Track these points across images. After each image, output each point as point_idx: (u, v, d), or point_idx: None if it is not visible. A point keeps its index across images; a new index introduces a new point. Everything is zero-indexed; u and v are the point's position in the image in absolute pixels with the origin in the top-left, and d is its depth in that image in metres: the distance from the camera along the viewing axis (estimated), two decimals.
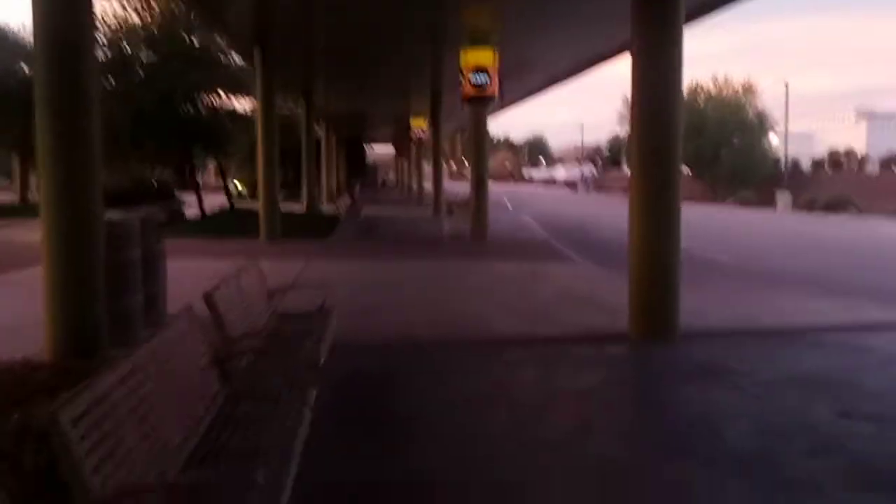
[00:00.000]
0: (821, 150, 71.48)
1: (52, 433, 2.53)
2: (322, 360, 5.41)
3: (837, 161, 57.71)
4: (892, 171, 49.33)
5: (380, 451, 4.92)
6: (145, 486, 2.94)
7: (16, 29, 27.76)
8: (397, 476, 4.55)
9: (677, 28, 7.99)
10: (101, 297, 6.89)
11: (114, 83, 19.82)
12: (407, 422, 5.53)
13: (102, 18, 19.76)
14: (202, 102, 21.45)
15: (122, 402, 3.05)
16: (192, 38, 21.17)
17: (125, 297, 7.56)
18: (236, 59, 21.68)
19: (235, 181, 44.83)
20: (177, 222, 21.69)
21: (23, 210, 24.84)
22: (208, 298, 4.92)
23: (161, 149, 21.25)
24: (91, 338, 6.76)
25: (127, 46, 20.57)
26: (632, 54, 8.22)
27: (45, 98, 6.57)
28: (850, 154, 62.46)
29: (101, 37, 19.72)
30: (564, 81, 26.57)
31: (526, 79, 25.41)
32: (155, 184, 26.68)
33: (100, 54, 19.42)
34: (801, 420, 5.44)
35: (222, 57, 21.48)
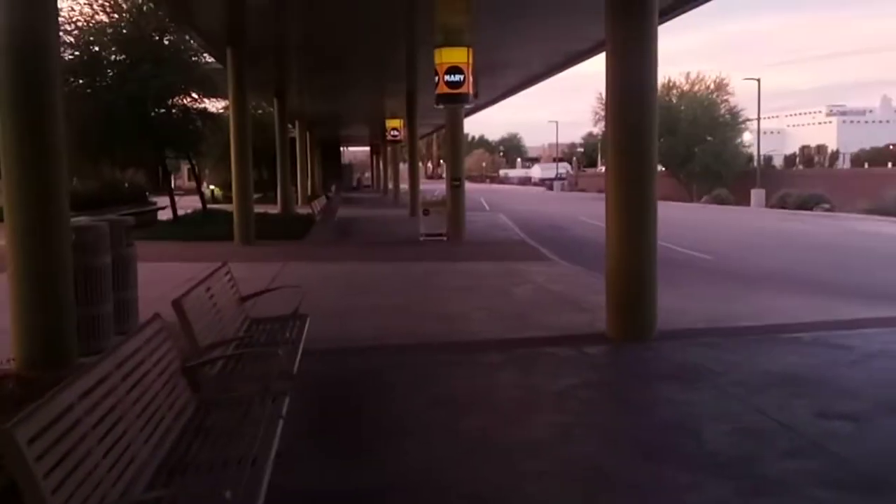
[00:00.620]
0: (793, 146, 72.30)
1: (6, 452, 2.42)
2: (296, 367, 5.30)
3: (809, 157, 58.38)
4: (863, 168, 49.98)
5: (356, 459, 4.83)
6: None
7: None
8: (374, 484, 4.46)
9: (651, 23, 7.96)
10: (69, 305, 6.74)
11: (81, 84, 19.50)
12: (383, 428, 5.44)
13: (69, 17, 19.44)
14: (174, 103, 21.14)
15: (84, 415, 2.93)
16: (163, 38, 20.89)
17: (95, 303, 7.41)
18: (208, 59, 21.42)
19: (211, 186, 44.50)
20: (149, 225, 21.40)
21: None
22: (177, 305, 4.80)
23: (132, 151, 20.94)
24: (60, 347, 6.62)
25: (95, 47, 20.25)
26: (606, 51, 8.19)
27: (6, 99, 6.41)
28: (821, 150, 63.29)
29: (67, 37, 19.39)
30: (540, 80, 26.63)
31: (501, 78, 25.42)
32: (126, 187, 26.31)
33: (66, 54, 19.12)
34: (779, 420, 5.42)
35: (194, 57, 21.20)
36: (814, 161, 61.13)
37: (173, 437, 3.80)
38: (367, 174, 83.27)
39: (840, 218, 33.76)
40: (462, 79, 17.45)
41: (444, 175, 24.43)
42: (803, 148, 64.49)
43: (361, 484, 4.46)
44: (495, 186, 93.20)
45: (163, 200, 26.02)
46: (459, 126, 20.63)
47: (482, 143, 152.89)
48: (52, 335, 6.59)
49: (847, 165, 60.73)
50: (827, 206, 38.41)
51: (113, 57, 20.52)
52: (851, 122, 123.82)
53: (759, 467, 4.59)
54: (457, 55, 17.44)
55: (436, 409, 5.86)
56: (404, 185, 39.18)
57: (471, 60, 17.52)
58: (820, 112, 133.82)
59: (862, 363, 6.96)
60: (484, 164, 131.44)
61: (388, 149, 51.17)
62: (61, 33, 14.57)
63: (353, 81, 27.09)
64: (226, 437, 3.84)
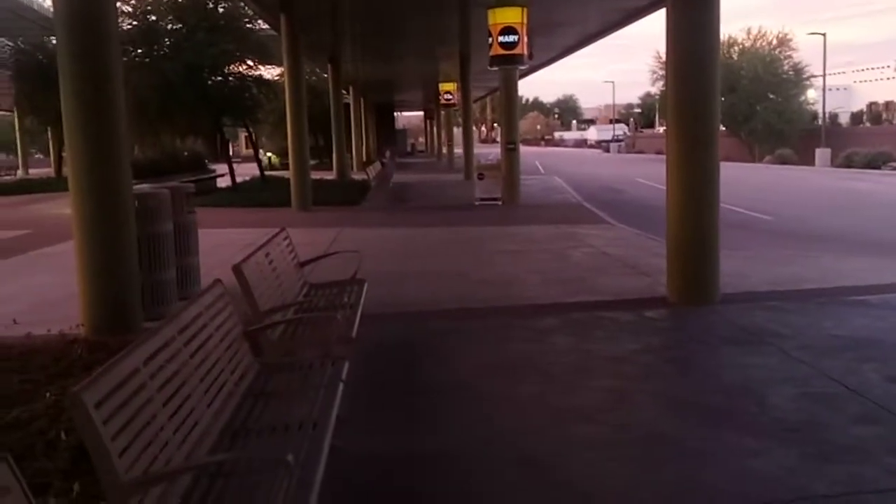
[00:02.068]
0: (860, 103, 69.76)
1: (75, 416, 2.46)
2: (355, 331, 5.33)
3: (878, 114, 56.33)
4: None
5: (413, 424, 4.85)
6: (174, 469, 2.87)
7: (41, 1, 27.82)
8: (431, 448, 4.47)
9: None
10: (134, 271, 6.89)
11: (140, 54, 19.77)
12: (440, 392, 5.45)
13: None
14: (230, 71, 21.31)
15: (149, 379, 2.98)
16: (218, 6, 21.01)
17: (158, 269, 7.57)
18: (263, 26, 21.50)
19: (268, 153, 44.94)
20: (208, 193, 21.74)
21: (56, 184, 25.07)
22: (237, 270, 4.85)
23: (190, 119, 21.21)
24: (126, 312, 6.77)
25: (152, 16, 20.47)
26: (667, 7, 7.94)
27: (67, 71, 6.50)
28: (890, 107, 60.97)
29: (125, 6, 19.63)
30: (596, 39, 26.07)
31: (556, 38, 24.96)
32: (186, 155, 26.72)
33: (123, 25, 19.37)
34: (847, 385, 5.26)
35: (248, 25, 21.30)
36: (882, 118, 58.82)
37: (235, 401, 3.85)
38: (422, 139, 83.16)
39: None
40: (516, 39, 17.23)
41: (498, 139, 24.23)
42: (871, 104, 62.13)
43: (419, 448, 4.47)
44: (550, 149, 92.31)
45: (221, 168, 26.39)
46: (514, 88, 20.36)
47: (536, 105, 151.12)
48: (117, 301, 6.75)
49: None
50: (895, 164, 37.07)
51: (169, 26, 20.73)
52: None
53: (828, 433, 4.46)
54: (511, 15, 17.21)
55: (492, 373, 5.85)
56: (458, 150, 39.02)
57: (525, 20, 17.27)
58: (889, 67, 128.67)
59: None
60: (539, 127, 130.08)
61: (442, 113, 50.97)
62: (119, 3, 14.77)
63: (406, 45, 26.95)
64: (287, 401, 3.88)
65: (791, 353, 6.02)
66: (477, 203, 19.42)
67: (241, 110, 22.57)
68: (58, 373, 5.45)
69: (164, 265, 7.61)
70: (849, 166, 38.59)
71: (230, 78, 21.45)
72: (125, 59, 18.10)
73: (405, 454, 4.40)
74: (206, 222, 11.70)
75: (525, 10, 17.11)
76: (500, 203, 19.36)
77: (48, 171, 35.64)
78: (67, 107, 6.56)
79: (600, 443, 4.48)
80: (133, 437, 2.67)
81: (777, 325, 6.85)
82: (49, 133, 36.06)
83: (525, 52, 17.48)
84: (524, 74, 31.09)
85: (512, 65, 18.33)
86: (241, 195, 21.29)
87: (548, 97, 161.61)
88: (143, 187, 8.39)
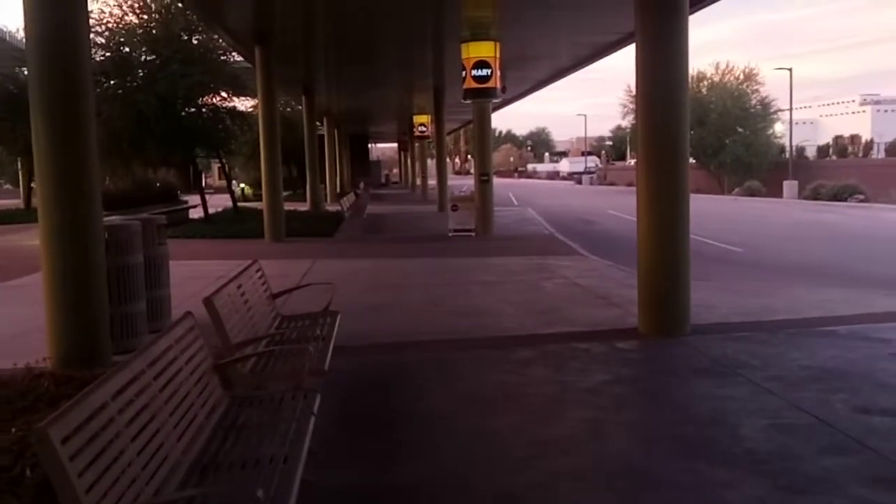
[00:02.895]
0: (826, 136, 71.17)
1: (41, 452, 2.42)
2: (327, 364, 5.30)
3: (843, 148, 57.45)
4: None
5: (387, 457, 4.81)
6: None
7: (14, 31, 27.65)
8: (406, 480, 4.44)
9: (682, 15, 7.85)
10: (103, 303, 6.80)
11: (113, 85, 19.70)
12: (415, 424, 5.42)
13: (99, 18, 19.63)
14: (203, 103, 21.29)
15: (117, 414, 2.94)
16: (192, 38, 21.03)
17: (128, 302, 7.49)
18: (237, 58, 21.55)
19: (241, 184, 44.81)
20: (180, 224, 21.59)
21: (26, 215, 24.77)
22: (208, 303, 4.81)
23: (163, 150, 21.11)
24: (94, 345, 6.66)
25: (125, 47, 20.44)
26: (636, 43, 8.09)
27: (39, 100, 6.46)
28: (855, 140, 62.24)
29: (98, 38, 19.58)
30: (567, 73, 26.42)
31: (529, 71, 25.27)
32: (158, 186, 26.56)
33: (97, 55, 19.31)
34: (818, 416, 5.31)
35: (222, 57, 21.33)
36: (847, 151, 60.00)
37: (205, 434, 3.80)
38: (396, 170, 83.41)
39: (875, 209, 33.20)
40: (489, 73, 17.42)
41: (471, 170, 24.35)
42: (836, 138, 63.41)
43: (393, 481, 4.44)
44: (523, 181, 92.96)
45: (194, 199, 26.25)
46: (487, 121, 20.55)
47: (510, 137, 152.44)
48: (85, 334, 6.65)
49: (882, 155, 59.54)
50: (861, 196, 37.79)
51: (143, 57, 20.71)
52: (886, 111, 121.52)
53: (798, 464, 4.50)
54: (484, 49, 17.41)
55: (467, 405, 5.83)
56: (432, 181, 39.17)
57: (498, 54, 17.47)
58: (853, 101, 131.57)
59: None
60: (512, 159, 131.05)
61: (416, 145, 51.24)
62: (92, 34, 14.73)
63: (380, 78, 27.12)
64: (258, 434, 3.84)
65: (761, 385, 6.07)
66: (451, 234, 19.47)
67: (214, 141, 22.50)
68: (23, 407, 5.34)
69: (134, 297, 7.53)
70: (816, 198, 39.24)
71: (203, 109, 21.41)
72: (98, 89, 18.05)
73: (379, 488, 4.37)
74: (178, 254, 11.62)
75: (498, 44, 17.33)
76: (473, 234, 19.43)
77: (17, 203, 35.19)
78: (38, 137, 6.51)
79: (577, 475, 4.47)
80: (100, 474, 2.63)
81: (747, 356, 6.91)
82: (19, 164, 35.67)
83: (498, 85, 17.68)
84: (497, 107, 31.38)
85: (485, 98, 18.52)
86: (214, 226, 21.16)
87: (521, 129, 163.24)
88: (114, 219, 8.33)
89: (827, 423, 5.18)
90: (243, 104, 24.90)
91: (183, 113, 20.75)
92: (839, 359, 6.77)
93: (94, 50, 18.79)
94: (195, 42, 21.12)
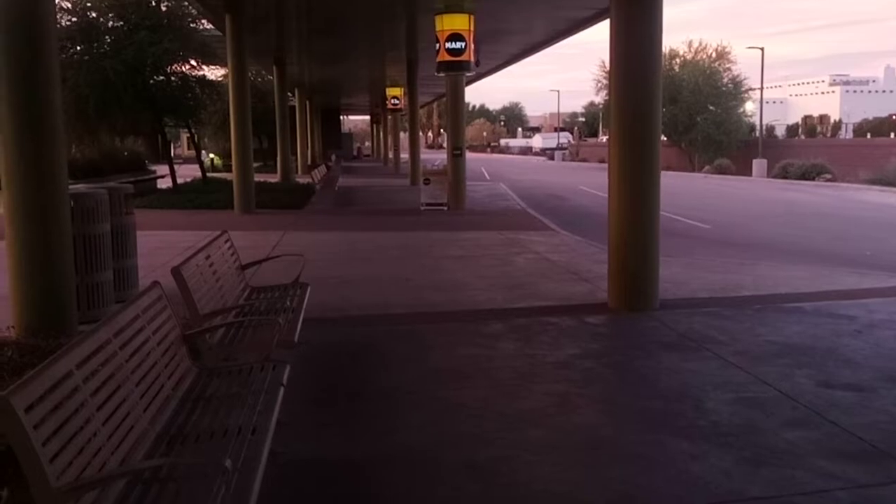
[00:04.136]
0: (795, 116, 71.89)
1: (4, 420, 2.38)
2: (297, 336, 5.27)
3: (812, 127, 58.08)
4: (865, 138, 49.75)
5: (357, 429, 4.82)
6: (108, 475, 2.80)
7: None
8: (374, 453, 4.44)
9: None
10: (68, 272, 6.69)
11: (79, 51, 19.28)
12: (385, 396, 5.43)
13: None
14: (172, 71, 20.92)
15: (83, 383, 2.90)
16: (161, 4, 20.62)
17: (95, 271, 7.39)
18: (207, 26, 21.18)
19: (211, 155, 44.25)
20: (148, 194, 21.29)
21: None
22: (176, 273, 4.76)
23: (130, 119, 20.75)
24: (59, 314, 6.56)
25: (92, 12, 19.99)
26: (611, 18, 8.07)
27: (2, 66, 6.28)
28: (824, 120, 62.96)
29: (63, 2, 19.13)
30: (541, 48, 26.33)
31: (503, 45, 25.13)
32: (126, 155, 26.13)
33: (62, 21, 18.87)
34: (782, 390, 5.40)
35: (192, 24, 20.94)
36: (816, 131, 60.69)
37: (173, 405, 3.78)
38: (368, 143, 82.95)
39: (841, 188, 33.66)
40: (463, 46, 17.28)
41: (444, 145, 24.27)
42: (806, 118, 64.10)
43: (363, 453, 4.44)
44: (496, 156, 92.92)
45: (162, 169, 25.89)
46: (460, 95, 20.45)
47: (483, 112, 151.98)
48: (51, 303, 6.55)
49: (850, 135, 60.33)
50: (828, 176, 38.25)
51: (110, 23, 20.26)
52: (854, 91, 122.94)
53: (762, 437, 4.57)
54: (458, 22, 17.25)
55: (436, 378, 5.85)
56: (405, 155, 39.00)
57: (472, 27, 17.31)
58: (823, 82, 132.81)
59: (864, 333, 6.94)
60: (485, 134, 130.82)
61: (389, 118, 50.87)
62: None
63: (353, 49, 26.82)
64: (226, 405, 3.81)
65: (728, 359, 6.15)
66: (423, 208, 19.43)
67: (183, 111, 22.14)
68: None
69: (100, 267, 7.43)
70: (784, 177, 39.66)
71: (172, 78, 21.05)
72: (63, 56, 17.65)
73: (348, 460, 4.37)
74: (146, 224, 11.48)
75: (472, 17, 17.19)
76: (445, 209, 19.41)
77: None
78: (2, 104, 6.34)
79: (545, 447, 4.51)
80: (65, 442, 2.60)
81: (714, 332, 7.00)
82: None
83: (472, 58, 17.55)
84: (471, 81, 31.22)
85: (459, 71, 18.39)
86: (183, 197, 20.89)
87: (494, 104, 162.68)
88: (80, 187, 8.19)
89: (791, 397, 5.26)
90: (213, 73, 24.54)
91: (151, 81, 20.39)
92: (804, 334, 6.88)
93: (59, 15, 18.34)
94: (164, 9, 20.70)
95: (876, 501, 3.82)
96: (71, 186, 7.16)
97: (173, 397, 3.84)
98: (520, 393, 5.47)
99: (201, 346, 4.72)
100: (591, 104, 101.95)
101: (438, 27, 17.26)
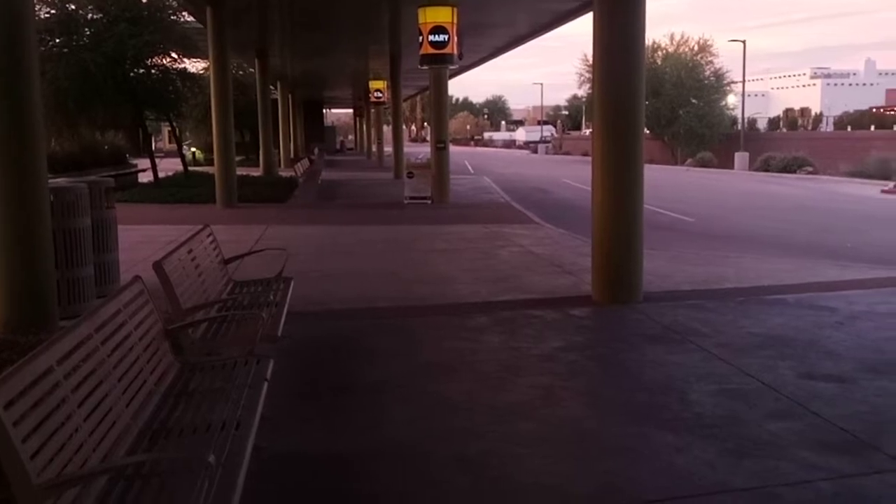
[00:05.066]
0: (777, 109, 72.32)
1: None
2: (280, 330, 5.24)
3: (793, 120, 58.40)
4: (846, 131, 50.12)
5: (342, 423, 4.80)
6: (90, 471, 2.77)
7: None
8: (359, 447, 4.43)
9: None
10: (49, 267, 6.62)
11: (58, 44, 19.08)
12: (369, 391, 5.41)
13: None
14: (153, 63, 20.75)
15: (63, 379, 2.86)
16: None
17: (75, 266, 7.32)
18: (188, 18, 21.00)
19: (192, 148, 43.97)
20: (129, 188, 21.13)
21: None
22: (158, 267, 4.71)
23: (111, 112, 20.57)
24: (40, 309, 6.49)
25: (71, 5, 19.78)
26: (594, 10, 8.07)
27: None
28: (805, 113, 63.33)
29: None
30: (525, 41, 26.34)
31: (486, 38, 25.11)
32: (106, 149, 25.90)
33: (41, 12, 18.67)
34: (764, 381, 5.43)
35: (172, 16, 20.77)
36: (797, 124, 61.06)
37: (156, 400, 3.74)
38: (351, 137, 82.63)
39: (822, 181, 33.93)
40: (446, 39, 17.26)
41: (427, 138, 24.23)
42: (787, 111, 64.48)
43: (348, 448, 4.42)
44: (480, 149, 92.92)
45: (143, 163, 25.69)
46: (444, 88, 20.41)
47: (466, 105, 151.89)
48: (30, 298, 6.47)
49: (830, 128, 60.78)
50: (810, 168, 38.52)
51: (90, 15, 20.07)
52: (836, 84, 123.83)
53: (745, 429, 4.59)
54: (441, 14, 17.22)
55: (421, 371, 5.83)
56: (388, 148, 38.89)
57: (455, 20, 17.29)
58: (804, 75, 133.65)
59: (846, 325, 6.99)
60: (468, 127, 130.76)
61: (372, 111, 50.79)
62: None
63: (335, 42, 26.69)
64: (209, 400, 3.78)
65: (711, 351, 6.18)
66: (406, 202, 19.39)
67: (163, 104, 21.98)
68: None
69: (81, 262, 7.36)
70: (766, 170, 39.90)
71: (153, 70, 20.88)
72: (42, 48, 17.46)
73: (334, 454, 4.35)
74: (127, 218, 11.38)
75: (455, 9, 17.16)
76: (429, 202, 19.37)
77: None
78: None
79: (532, 440, 4.51)
80: (46, 439, 2.57)
81: (698, 324, 7.02)
82: None
83: (455, 51, 17.53)
84: (454, 74, 31.18)
85: (442, 64, 18.36)
86: (164, 191, 20.74)
87: (477, 97, 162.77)
88: (60, 181, 8.10)
89: (773, 388, 5.29)
90: (194, 66, 24.36)
91: (132, 74, 20.22)
92: (787, 326, 6.92)
93: (37, 7, 18.15)
94: (144, 0, 20.52)
95: (858, 491, 3.84)
96: (51, 180, 7.08)
97: (156, 392, 3.80)
98: (505, 386, 5.47)
99: (184, 341, 4.68)
100: (575, 97, 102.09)
101: (422, 20, 17.22)
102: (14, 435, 2.39)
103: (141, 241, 11.45)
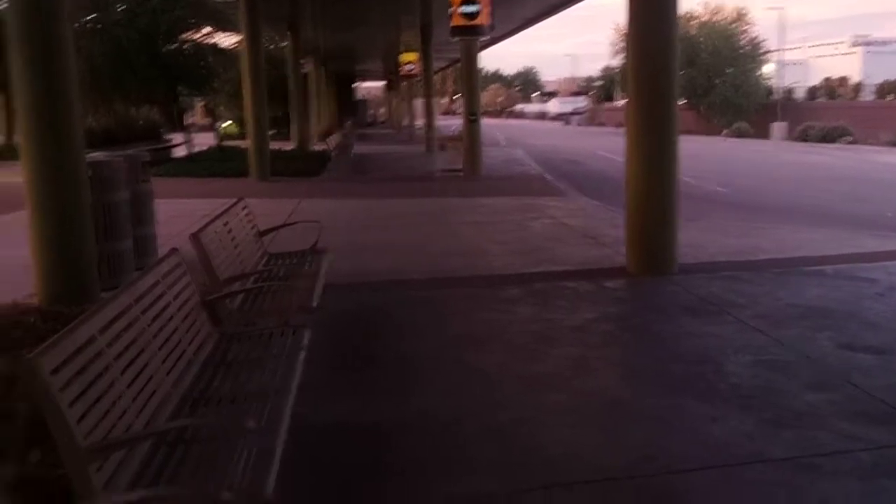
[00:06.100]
0: (816, 78, 70.79)
1: (31, 382, 2.41)
2: (316, 301, 5.29)
3: (832, 89, 57.15)
4: (886, 99, 48.91)
5: (377, 392, 4.84)
6: (134, 436, 2.83)
7: None
8: (395, 417, 4.47)
9: None
10: (88, 240, 6.73)
11: (91, 20, 19.25)
12: (403, 362, 5.45)
13: None
14: (185, 39, 20.86)
15: (106, 347, 2.92)
16: None
17: (114, 239, 7.42)
18: None
19: (225, 124, 44.18)
20: (164, 162, 21.34)
21: (7, 151, 24.36)
22: (195, 239, 4.77)
23: (145, 88, 20.75)
24: (81, 282, 6.62)
25: None
26: None
27: (17, 36, 6.28)
28: (844, 82, 61.89)
29: None
30: (557, 11, 26.03)
31: (517, 9, 24.85)
32: (141, 124, 26.18)
33: None
34: (803, 353, 5.37)
35: None
36: (837, 93, 59.80)
37: (195, 370, 3.81)
38: (382, 110, 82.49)
39: (863, 151, 33.23)
40: (477, 10, 17.13)
41: (459, 110, 24.12)
42: (826, 79, 63.10)
43: (381, 416, 4.47)
44: (511, 121, 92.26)
45: (178, 137, 25.92)
46: (475, 59, 20.24)
47: (498, 77, 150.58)
48: (72, 270, 6.60)
49: (871, 97, 59.37)
50: (850, 138, 37.75)
51: None
52: (876, 52, 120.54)
53: (783, 399, 4.56)
54: None
55: (454, 342, 5.86)
56: (420, 121, 38.79)
57: None
58: (844, 42, 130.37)
59: (886, 296, 6.88)
60: (500, 99, 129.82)
61: (403, 84, 50.57)
62: None
63: (367, 14, 26.60)
64: (247, 369, 3.84)
65: (747, 322, 6.12)
66: (438, 174, 19.36)
67: (196, 79, 22.13)
68: (12, 340, 5.32)
69: (119, 235, 7.46)
70: (805, 140, 39.17)
71: (185, 45, 21.00)
72: (76, 25, 17.63)
73: (369, 423, 4.40)
74: (163, 192, 11.48)
75: None
76: (461, 174, 19.33)
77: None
78: (18, 73, 6.35)
79: (565, 410, 4.52)
80: (91, 404, 2.63)
81: (734, 295, 6.95)
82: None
83: (486, 22, 17.38)
84: (485, 46, 30.92)
85: (473, 35, 18.22)
86: (198, 165, 20.89)
87: (509, 69, 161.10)
88: (97, 156, 8.20)
89: (812, 359, 5.24)
90: (227, 40, 24.44)
91: (164, 49, 20.36)
92: (825, 298, 6.83)
93: None
94: None
95: None
96: (88, 155, 7.18)
97: (195, 362, 3.87)
98: (538, 357, 5.47)
99: (221, 312, 4.74)
100: (608, 68, 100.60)
101: None
102: (61, 399, 2.45)
103: (176, 214, 11.57)
